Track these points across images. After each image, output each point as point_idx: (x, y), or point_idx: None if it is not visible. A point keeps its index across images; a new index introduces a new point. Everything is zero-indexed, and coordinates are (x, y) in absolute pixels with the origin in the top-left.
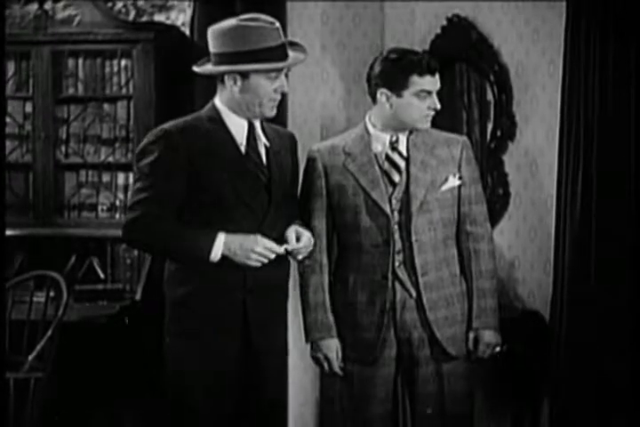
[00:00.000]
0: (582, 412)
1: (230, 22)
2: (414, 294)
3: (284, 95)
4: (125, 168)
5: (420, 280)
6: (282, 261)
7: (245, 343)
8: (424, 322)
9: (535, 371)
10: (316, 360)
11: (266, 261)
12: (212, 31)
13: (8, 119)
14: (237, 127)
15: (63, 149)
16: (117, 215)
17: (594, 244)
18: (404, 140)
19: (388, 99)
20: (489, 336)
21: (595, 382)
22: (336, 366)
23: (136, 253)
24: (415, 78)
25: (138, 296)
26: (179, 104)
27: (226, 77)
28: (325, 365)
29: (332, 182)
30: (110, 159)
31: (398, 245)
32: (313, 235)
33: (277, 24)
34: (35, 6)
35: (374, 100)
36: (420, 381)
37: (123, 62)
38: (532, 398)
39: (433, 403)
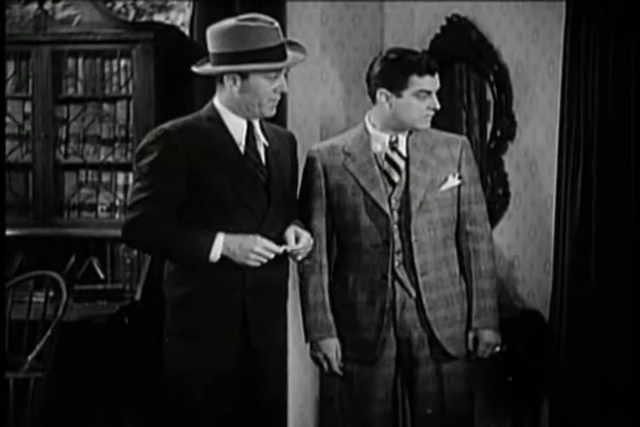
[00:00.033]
0: (582, 412)
1: (229, 22)
2: (414, 293)
3: (283, 95)
4: (125, 168)
5: (420, 280)
6: (281, 261)
7: (245, 343)
8: (424, 322)
9: (535, 371)
10: (316, 360)
11: (265, 261)
12: (211, 31)
13: (8, 119)
14: (236, 127)
15: (63, 148)
16: (117, 215)
17: (594, 243)
18: (404, 140)
19: (387, 99)
20: (489, 336)
21: (595, 382)
22: (336, 365)
23: (136, 253)
24: (415, 78)
25: (137, 296)
26: (178, 104)
27: (225, 77)
28: (325, 365)
29: (331, 182)
30: (110, 159)
31: (398, 245)
32: (312, 235)
33: (277, 24)
34: (34, 6)
35: (374, 100)
36: (420, 381)
37: (122, 62)
38: (531, 398)
39: (433, 403)
